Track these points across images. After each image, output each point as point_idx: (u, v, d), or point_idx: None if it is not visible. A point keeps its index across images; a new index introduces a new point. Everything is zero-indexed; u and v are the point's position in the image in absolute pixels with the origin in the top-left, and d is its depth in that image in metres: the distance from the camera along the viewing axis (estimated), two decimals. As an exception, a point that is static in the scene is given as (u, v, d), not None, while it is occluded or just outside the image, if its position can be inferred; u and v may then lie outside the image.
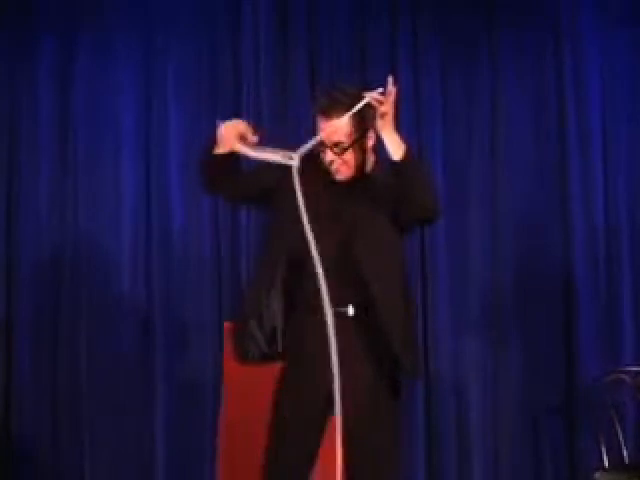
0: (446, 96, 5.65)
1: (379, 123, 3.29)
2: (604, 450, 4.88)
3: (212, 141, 3.38)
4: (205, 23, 5.64)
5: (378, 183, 3.41)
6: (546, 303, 5.56)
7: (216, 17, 5.64)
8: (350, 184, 3.41)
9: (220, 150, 3.37)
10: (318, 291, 3.12)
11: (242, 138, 3.34)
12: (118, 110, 5.59)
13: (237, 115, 5.51)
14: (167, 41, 5.61)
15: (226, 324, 4.66)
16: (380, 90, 3.26)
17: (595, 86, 5.64)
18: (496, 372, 5.55)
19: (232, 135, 3.34)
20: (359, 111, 3.29)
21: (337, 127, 3.31)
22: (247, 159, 3.34)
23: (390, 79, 3.25)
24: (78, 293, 5.49)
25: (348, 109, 3.30)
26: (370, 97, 3.26)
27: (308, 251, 3.13)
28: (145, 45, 5.62)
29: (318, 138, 3.32)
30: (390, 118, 3.28)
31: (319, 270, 3.06)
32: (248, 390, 4.24)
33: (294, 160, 3.22)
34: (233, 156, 3.38)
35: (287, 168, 3.22)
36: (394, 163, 3.30)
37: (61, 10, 5.60)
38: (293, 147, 3.27)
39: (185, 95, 5.62)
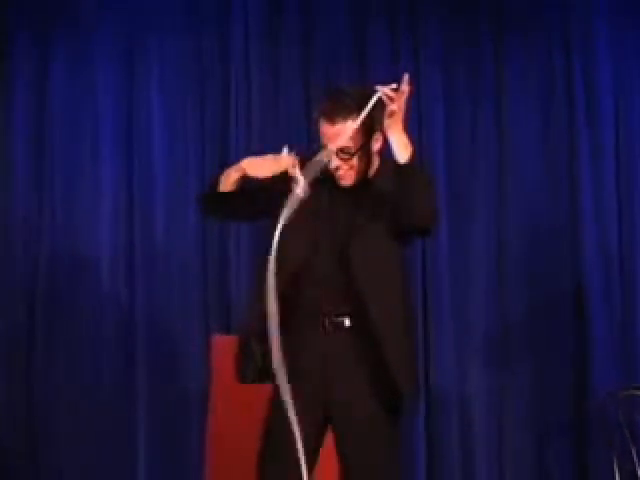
0: (448, 99, 5.59)
1: (387, 122, 3.21)
2: (617, 469, 4.89)
3: (219, 175, 3.43)
4: (191, 19, 5.53)
5: (379, 188, 3.34)
6: (556, 317, 5.49)
7: (203, 13, 5.53)
8: (352, 190, 3.35)
9: (272, 169, 3.35)
10: (314, 305, 3.24)
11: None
12: (98, 112, 5.50)
13: (225, 117, 5.46)
14: (150, 38, 5.51)
15: (216, 337, 4.69)
16: (393, 86, 3.18)
17: (606, 87, 5.59)
18: (501, 388, 5.48)
19: (291, 162, 3.31)
20: (367, 112, 3.20)
21: (347, 131, 3.24)
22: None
23: (406, 77, 3.16)
24: (54, 305, 5.39)
25: (353, 112, 3.21)
26: (382, 92, 3.18)
27: (307, 265, 3.24)
28: (127, 43, 5.52)
29: (324, 157, 3.24)
30: (399, 118, 3.18)
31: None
32: (237, 402, 4.21)
33: (299, 189, 3.19)
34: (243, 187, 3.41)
35: (287, 184, 3.21)
36: (399, 166, 3.20)
37: (37, 7, 5.51)
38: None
39: (170, 96, 5.52)
